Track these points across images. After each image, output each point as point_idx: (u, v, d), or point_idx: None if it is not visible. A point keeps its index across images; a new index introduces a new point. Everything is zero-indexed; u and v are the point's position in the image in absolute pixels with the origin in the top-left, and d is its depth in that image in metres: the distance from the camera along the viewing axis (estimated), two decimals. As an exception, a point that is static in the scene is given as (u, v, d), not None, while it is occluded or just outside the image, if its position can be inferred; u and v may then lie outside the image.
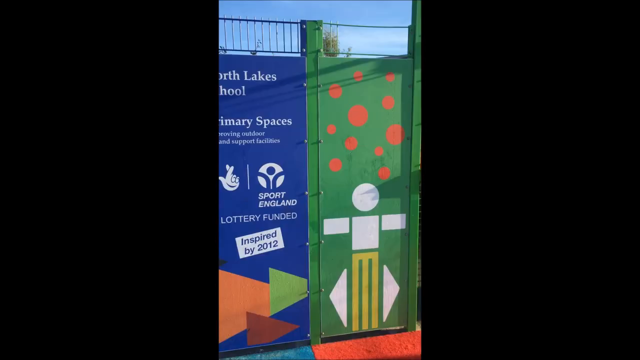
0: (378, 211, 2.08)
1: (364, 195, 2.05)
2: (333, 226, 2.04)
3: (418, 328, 2.22)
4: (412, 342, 2.08)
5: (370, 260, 2.11)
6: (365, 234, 2.08)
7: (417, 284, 2.22)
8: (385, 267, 2.14)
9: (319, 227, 2.02)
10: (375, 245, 2.11)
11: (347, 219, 2.05)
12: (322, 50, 1.88)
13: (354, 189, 2.03)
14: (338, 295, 2.09)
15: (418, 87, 2.00)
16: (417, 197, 2.12)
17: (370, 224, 2.08)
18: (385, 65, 1.97)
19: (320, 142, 1.95)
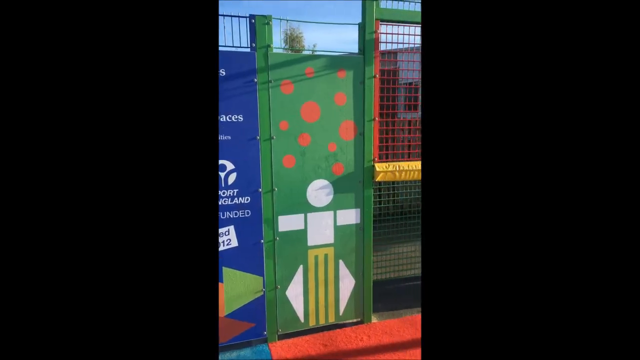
0: (333, 207, 2.10)
1: (319, 191, 2.06)
2: (288, 223, 2.04)
3: (374, 320, 2.28)
4: (367, 333, 2.13)
5: (326, 256, 2.13)
6: (321, 230, 2.10)
7: (372, 277, 2.28)
8: (341, 262, 2.17)
9: (273, 224, 2.01)
10: (331, 240, 2.13)
11: (302, 215, 2.06)
12: (271, 45, 1.86)
13: (308, 185, 2.04)
14: (294, 292, 2.10)
15: (369, 83, 2.04)
16: (370, 192, 2.16)
17: (325, 220, 2.10)
18: (336, 62, 1.98)
19: (272, 138, 1.93)
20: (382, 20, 2.02)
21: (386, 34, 2.06)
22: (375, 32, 2.00)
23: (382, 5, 2.01)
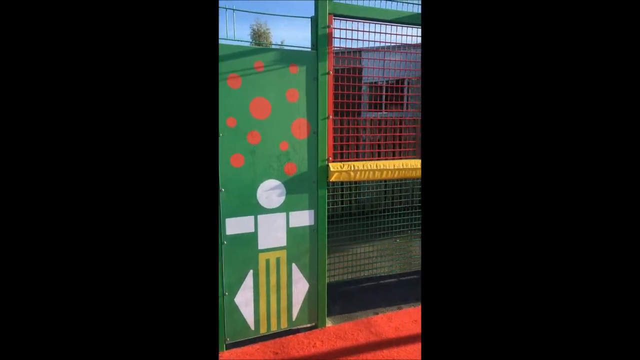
0: (285, 208, 2.01)
1: (270, 192, 1.96)
2: (237, 225, 1.92)
3: (329, 324, 2.22)
4: (320, 339, 2.06)
5: (278, 259, 2.04)
6: (272, 232, 2.00)
7: (327, 280, 2.21)
8: (294, 265, 2.09)
9: (220, 227, 1.88)
10: (283, 243, 2.04)
11: (252, 217, 1.95)
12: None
13: (258, 185, 1.94)
14: (244, 298, 1.99)
15: (322, 80, 1.96)
16: (325, 192, 2.10)
17: (277, 222, 2.01)
18: (287, 56, 1.89)
19: (219, 135, 1.81)
20: (336, 15, 1.95)
21: (340, 29, 1.99)
22: (329, 27, 1.93)
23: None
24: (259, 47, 1.81)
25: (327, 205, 2.98)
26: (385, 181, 3.40)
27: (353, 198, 3.43)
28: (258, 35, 15.78)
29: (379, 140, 2.69)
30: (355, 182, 3.41)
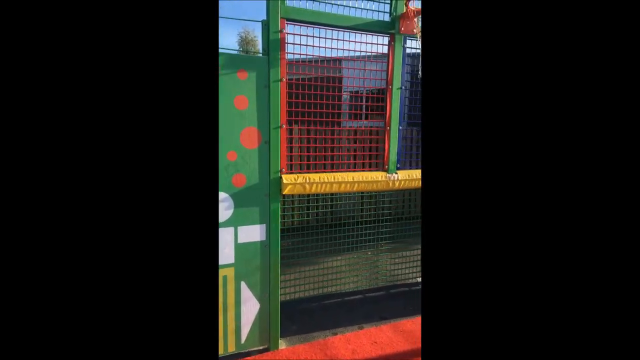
0: (233, 222, 1.88)
1: (216, 205, 1.84)
2: (178, 241, 1.78)
3: (282, 345, 2.08)
4: (270, 363, 1.92)
5: (225, 277, 1.91)
6: (219, 248, 1.87)
7: (281, 298, 2.08)
8: (243, 283, 1.95)
9: (159, 242, 1.74)
10: (231, 260, 1.91)
11: (195, 232, 1.81)
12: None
13: (203, 198, 1.81)
14: (185, 319, 1.84)
15: (275, 87, 1.86)
16: (277, 206, 1.98)
17: (224, 237, 1.88)
18: (235, 60, 1.78)
19: (158, 144, 1.68)
20: (289, 20, 1.86)
21: (294, 34, 1.90)
22: (281, 31, 1.83)
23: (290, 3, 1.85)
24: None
25: (288, 218, 2.86)
26: (353, 192, 3.30)
27: (315, 210, 3.32)
28: (246, 43, 15.73)
29: (340, 152, 2.60)
30: (319, 194, 3.30)
